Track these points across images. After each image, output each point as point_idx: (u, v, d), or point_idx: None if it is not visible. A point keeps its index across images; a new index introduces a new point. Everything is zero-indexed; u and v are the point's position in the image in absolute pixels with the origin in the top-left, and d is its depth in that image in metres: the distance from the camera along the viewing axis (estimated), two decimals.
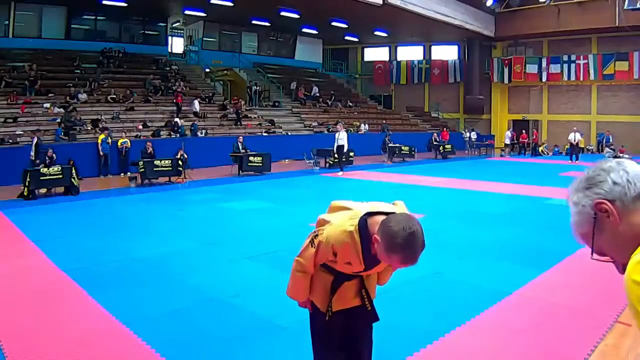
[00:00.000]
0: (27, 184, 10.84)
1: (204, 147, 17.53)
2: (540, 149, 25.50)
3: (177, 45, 28.09)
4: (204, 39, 27.17)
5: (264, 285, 5.06)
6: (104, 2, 20.93)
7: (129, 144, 15.53)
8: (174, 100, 20.58)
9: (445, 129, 26.81)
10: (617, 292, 4.70)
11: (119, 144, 15.38)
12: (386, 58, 34.25)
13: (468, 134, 26.20)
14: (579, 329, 3.92)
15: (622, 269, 1.05)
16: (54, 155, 12.40)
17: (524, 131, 26.45)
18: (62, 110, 17.08)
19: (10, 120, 15.67)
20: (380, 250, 2.04)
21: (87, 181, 13.33)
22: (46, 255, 6.16)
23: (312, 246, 2.29)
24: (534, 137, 26.27)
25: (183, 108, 20.67)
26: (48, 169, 11.30)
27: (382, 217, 2.08)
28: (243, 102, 23.47)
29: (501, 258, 6.02)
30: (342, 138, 15.96)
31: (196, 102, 20.71)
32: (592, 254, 1.11)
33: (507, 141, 25.23)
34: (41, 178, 11.10)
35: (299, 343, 3.70)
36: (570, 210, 1.14)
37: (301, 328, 3.94)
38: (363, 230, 2.13)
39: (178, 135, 17.98)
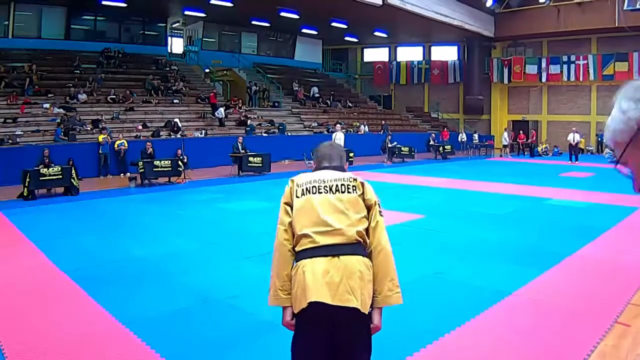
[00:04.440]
0: (26, 184, 10.84)
1: (203, 148, 17.53)
2: (540, 148, 25.52)
3: (176, 45, 28.10)
4: (204, 39, 27.18)
5: (263, 286, 5.02)
6: (103, 3, 20.94)
7: (126, 145, 15.49)
8: (209, 101, 21.33)
9: (445, 129, 26.86)
10: (617, 293, 4.72)
11: (115, 145, 15.34)
12: (386, 58, 34.26)
13: (465, 136, 26.26)
14: (578, 330, 3.92)
15: (637, 187, 1.08)
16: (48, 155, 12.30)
17: (521, 132, 26.48)
18: (61, 110, 17.07)
19: (10, 121, 15.66)
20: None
21: (86, 181, 13.32)
22: (46, 256, 6.16)
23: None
24: (532, 137, 26.27)
25: (181, 108, 20.73)
26: (48, 169, 11.29)
27: None
28: (242, 103, 23.49)
29: (501, 258, 6.02)
30: (339, 139, 15.93)
31: (222, 110, 20.88)
32: (616, 163, 1.11)
33: (505, 142, 25.25)
34: (41, 178, 11.10)
35: None
36: (613, 113, 1.12)
37: None
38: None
39: (178, 135, 17.99)
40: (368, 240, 2.21)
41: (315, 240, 2.15)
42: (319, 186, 2.23)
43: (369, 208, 2.23)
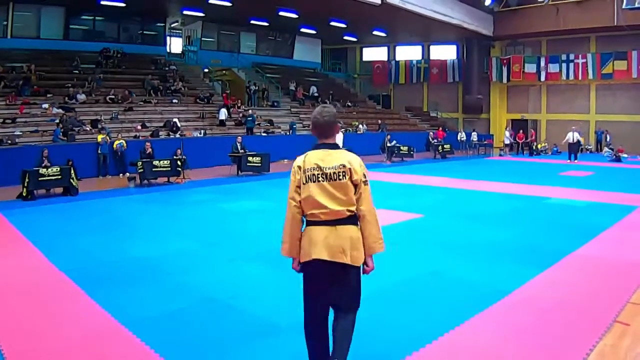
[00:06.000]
0: (25, 184, 10.82)
1: (202, 148, 17.52)
2: (540, 146, 25.55)
3: (175, 45, 28.07)
4: (203, 39, 27.17)
5: (263, 286, 5.07)
6: (102, 3, 20.91)
7: (125, 145, 15.47)
8: (223, 102, 21.61)
9: (440, 128, 26.85)
10: (616, 292, 4.72)
11: (114, 145, 15.31)
12: (385, 58, 34.28)
13: (464, 135, 26.27)
14: (577, 329, 3.92)
15: None
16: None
17: (521, 131, 26.49)
18: (60, 110, 17.05)
19: (9, 121, 15.64)
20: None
21: (86, 181, 13.31)
22: (45, 256, 6.15)
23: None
24: (532, 136, 26.28)
25: (181, 108, 20.72)
26: (47, 170, 11.28)
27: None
28: (241, 103, 23.49)
29: (500, 258, 6.02)
30: (338, 138, 15.89)
31: (223, 110, 20.93)
32: None
33: (507, 141, 25.23)
34: (40, 179, 11.07)
35: (299, 343, 3.70)
36: None
37: (300, 328, 3.94)
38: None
39: (177, 135, 17.99)
40: (356, 208, 2.94)
41: (319, 216, 2.92)
42: (317, 174, 2.91)
43: (356, 184, 2.92)
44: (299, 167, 2.97)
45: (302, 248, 2.97)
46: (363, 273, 3.04)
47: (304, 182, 2.93)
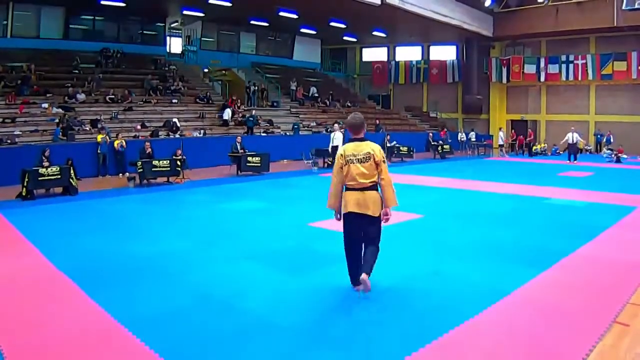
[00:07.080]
0: (25, 184, 10.82)
1: (202, 148, 17.51)
2: (539, 147, 25.56)
3: (175, 45, 28.06)
4: (203, 39, 27.17)
5: (263, 285, 5.06)
6: (102, 2, 20.90)
7: (125, 144, 15.44)
8: (226, 104, 21.70)
9: (444, 129, 26.88)
10: (615, 292, 4.72)
11: (116, 144, 15.30)
12: (384, 58, 34.29)
13: (464, 135, 26.28)
14: (577, 329, 3.92)
15: None
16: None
17: (522, 136, 26.51)
18: (60, 110, 17.04)
19: (9, 121, 15.63)
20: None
21: (85, 181, 13.30)
22: (44, 256, 6.15)
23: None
24: (530, 137, 26.29)
25: (180, 108, 20.71)
26: (46, 169, 11.27)
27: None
28: (240, 102, 23.48)
29: (500, 258, 6.02)
30: (337, 138, 15.89)
31: (228, 111, 20.98)
32: None
33: (500, 141, 25.23)
34: (39, 178, 11.07)
35: (299, 343, 3.70)
36: None
37: (301, 328, 3.94)
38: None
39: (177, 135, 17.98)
40: (378, 178, 4.50)
41: (353, 185, 4.51)
42: (353, 159, 4.49)
43: (378, 163, 4.49)
44: (341, 155, 4.55)
45: (343, 204, 4.55)
46: (383, 221, 4.57)
47: (345, 163, 4.50)
